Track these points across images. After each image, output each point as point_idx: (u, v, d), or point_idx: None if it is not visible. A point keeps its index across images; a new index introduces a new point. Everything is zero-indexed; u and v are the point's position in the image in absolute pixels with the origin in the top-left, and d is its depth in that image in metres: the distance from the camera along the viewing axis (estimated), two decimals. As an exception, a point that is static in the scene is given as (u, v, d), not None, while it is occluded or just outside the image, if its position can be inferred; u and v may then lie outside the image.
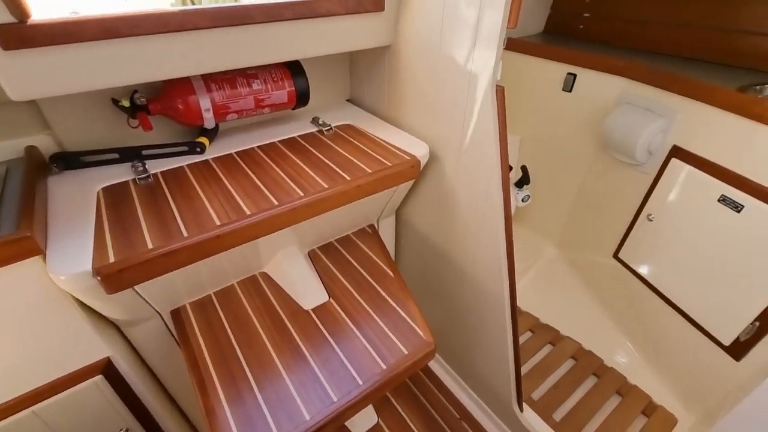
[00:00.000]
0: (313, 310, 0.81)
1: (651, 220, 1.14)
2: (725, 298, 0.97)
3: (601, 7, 1.43)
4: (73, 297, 0.64)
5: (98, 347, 0.71)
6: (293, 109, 0.97)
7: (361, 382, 0.68)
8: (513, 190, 1.45)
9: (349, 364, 0.71)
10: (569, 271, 1.58)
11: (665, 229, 1.10)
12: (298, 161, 0.84)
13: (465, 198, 0.89)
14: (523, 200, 1.44)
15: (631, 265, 1.24)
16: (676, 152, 1.05)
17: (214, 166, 0.82)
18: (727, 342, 0.98)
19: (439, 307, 1.21)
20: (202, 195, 0.72)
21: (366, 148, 0.90)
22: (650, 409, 1.17)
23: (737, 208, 0.91)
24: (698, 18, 1.19)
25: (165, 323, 0.82)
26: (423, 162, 0.90)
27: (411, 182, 0.95)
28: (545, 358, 1.33)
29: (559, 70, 1.35)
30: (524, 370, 1.30)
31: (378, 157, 0.87)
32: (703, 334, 1.04)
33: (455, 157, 0.87)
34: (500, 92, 0.74)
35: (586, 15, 1.48)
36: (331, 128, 0.98)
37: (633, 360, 1.29)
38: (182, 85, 0.79)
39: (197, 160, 0.84)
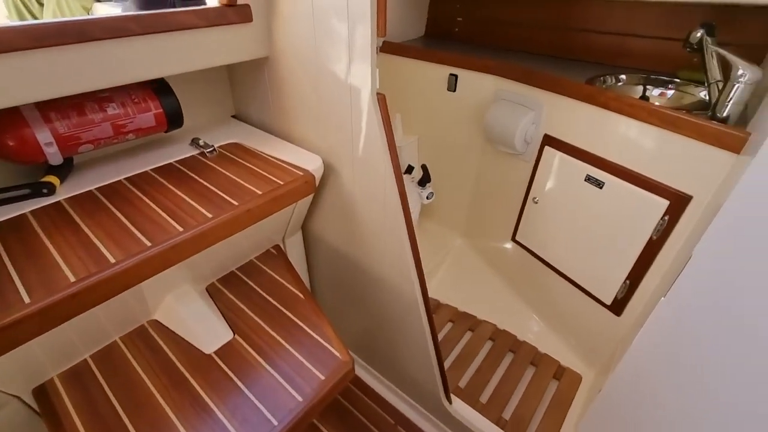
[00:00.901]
0: (216, 352, 0.74)
1: (536, 203, 1.25)
2: (601, 264, 1.11)
3: (470, 11, 1.54)
4: None
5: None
6: (166, 132, 0.87)
7: (276, 423, 0.63)
8: (417, 189, 1.49)
9: (262, 405, 0.65)
10: (477, 258, 1.68)
11: (548, 210, 1.23)
12: (176, 191, 0.75)
13: (366, 205, 0.88)
14: (427, 197, 1.50)
15: (527, 245, 1.36)
16: (548, 140, 1.17)
17: (68, 208, 0.69)
18: (608, 301, 1.13)
19: (360, 317, 1.20)
20: (51, 247, 0.60)
21: (255, 168, 0.84)
22: (559, 372, 1.30)
23: (599, 185, 1.04)
24: (553, 19, 1.34)
25: (28, 406, 0.67)
26: (318, 175, 0.87)
27: (310, 197, 0.92)
28: (466, 345, 1.40)
29: (442, 72, 1.42)
30: (449, 361, 1.35)
31: (269, 176, 0.81)
32: (590, 297, 1.18)
33: (351, 167, 0.86)
34: (382, 100, 0.74)
35: (459, 19, 1.59)
36: (214, 149, 0.90)
37: (541, 330, 1.41)
38: (9, 118, 0.65)
39: (45, 204, 0.70)
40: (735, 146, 0.78)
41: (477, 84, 1.35)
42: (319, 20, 0.73)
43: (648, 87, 1.14)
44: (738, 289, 0.49)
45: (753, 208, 0.46)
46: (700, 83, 1.06)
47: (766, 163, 0.44)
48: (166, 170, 0.82)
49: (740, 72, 0.77)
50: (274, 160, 0.87)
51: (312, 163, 0.87)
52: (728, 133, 0.78)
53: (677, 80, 1.12)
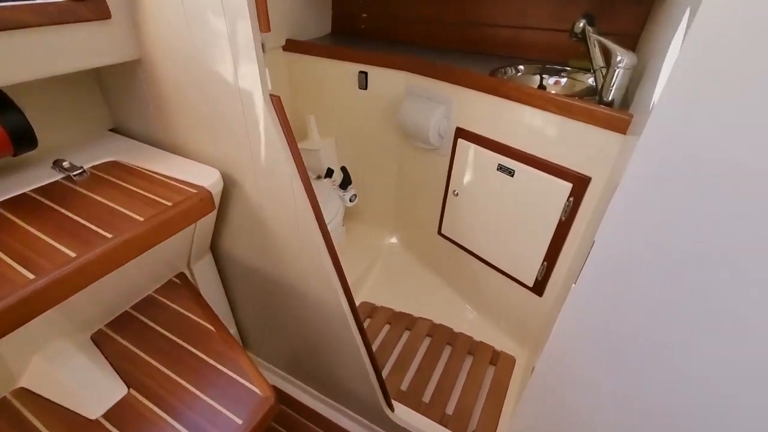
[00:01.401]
0: (105, 415, 0.61)
1: (456, 195, 1.27)
2: (520, 248, 1.15)
3: (374, 7, 1.51)
4: None
5: None
6: (15, 155, 0.71)
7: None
8: (338, 192, 1.44)
9: (166, 470, 0.55)
10: (408, 255, 1.68)
11: (468, 201, 1.25)
12: (28, 228, 0.61)
13: (276, 217, 0.81)
14: (350, 200, 1.45)
15: (452, 238, 1.37)
16: (460, 133, 1.18)
17: None
18: (530, 283, 1.17)
19: (289, 335, 1.11)
20: None
21: (137, 190, 0.72)
22: (495, 357, 1.33)
23: (511, 173, 1.07)
24: (454, 15, 1.36)
25: None
26: (216, 190, 0.77)
27: (211, 215, 0.82)
28: (405, 345, 1.38)
29: (352, 70, 1.38)
30: (389, 364, 1.32)
31: (154, 197, 0.70)
32: (514, 281, 1.22)
33: (254, 177, 0.78)
34: (277, 102, 0.67)
35: (365, 15, 1.56)
36: (83, 171, 0.76)
37: (474, 319, 1.44)
38: None
39: None
40: (621, 128, 0.83)
41: (387, 81, 1.33)
42: (192, 15, 0.63)
43: (544, 76, 1.20)
44: (636, 271, 0.51)
45: (640, 193, 0.48)
46: (587, 71, 1.14)
47: (647, 148, 0.45)
48: (16, 203, 0.67)
49: (619, 58, 0.82)
50: (162, 178, 0.76)
51: (208, 178, 0.77)
52: (614, 116, 0.84)
53: (568, 68, 1.19)
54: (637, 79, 0.88)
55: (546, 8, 1.21)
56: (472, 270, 1.37)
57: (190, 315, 0.80)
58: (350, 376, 1.02)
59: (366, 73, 1.35)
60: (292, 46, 1.46)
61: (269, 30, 0.62)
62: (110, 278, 0.61)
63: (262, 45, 0.63)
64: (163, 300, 0.83)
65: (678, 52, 0.51)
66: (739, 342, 0.45)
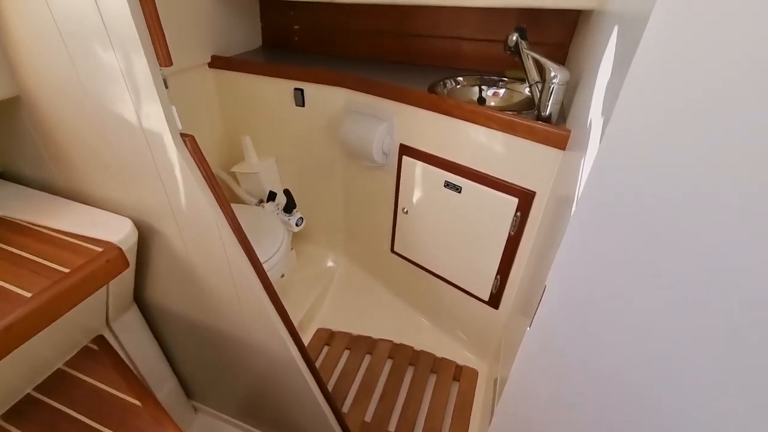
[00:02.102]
0: None
1: (406, 213, 1.23)
2: (473, 263, 1.14)
3: (305, 19, 1.44)
4: None
5: None
6: None
7: None
8: (283, 217, 1.35)
9: None
10: (363, 275, 1.62)
11: (418, 218, 1.21)
12: None
13: (206, 265, 0.72)
14: (297, 224, 1.37)
15: (405, 255, 1.34)
16: (405, 150, 1.14)
17: None
18: (486, 297, 1.16)
19: (239, 383, 1.02)
20: None
21: (26, 254, 0.60)
22: (458, 372, 1.31)
23: (458, 189, 1.05)
24: (390, 26, 1.32)
25: None
26: (129, 245, 0.67)
27: (127, 271, 0.71)
28: (367, 371, 1.32)
29: (286, 87, 1.30)
30: (351, 393, 1.26)
31: (48, 263, 0.59)
32: (470, 296, 1.21)
33: (175, 224, 0.68)
34: (191, 142, 0.59)
35: (297, 27, 1.48)
36: (-46, 236, 0.62)
37: (434, 335, 1.42)
38: None
39: None
40: (560, 143, 0.83)
41: (326, 97, 1.26)
42: (74, 48, 0.54)
43: (483, 87, 1.20)
44: (589, 312, 0.49)
45: (585, 241, 0.46)
46: (523, 81, 1.15)
47: (599, 166, 0.43)
48: None
49: (553, 74, 0.82)
50: (58, 236, 0.64)
51: (117, 231, 0.66)
52: (553, 132, 0.83)
53: (506, 79, 1.19)
54: (571, 92, 0.89)
55: (477, 20, 1.21)
56: (428, 285, 1.34)
57: (109, 389, 0.69)
58: (308, 421, 0.95)
59: (302, 90, 1.28)
60: (218, 62, 1.35)
61: (170, 64, 0.54)
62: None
63: (164, 81, 0.55)
64: (76, 374, 0.71)
65: (610, 72, 0.50)
66: (701, 384, 0.44)
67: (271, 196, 1.39)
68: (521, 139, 0.89)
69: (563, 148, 0.83)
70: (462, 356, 1.35)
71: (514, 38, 0.97)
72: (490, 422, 0.86)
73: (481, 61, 1.26)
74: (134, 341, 0.88)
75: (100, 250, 0.62)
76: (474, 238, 1.10)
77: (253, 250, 0.70)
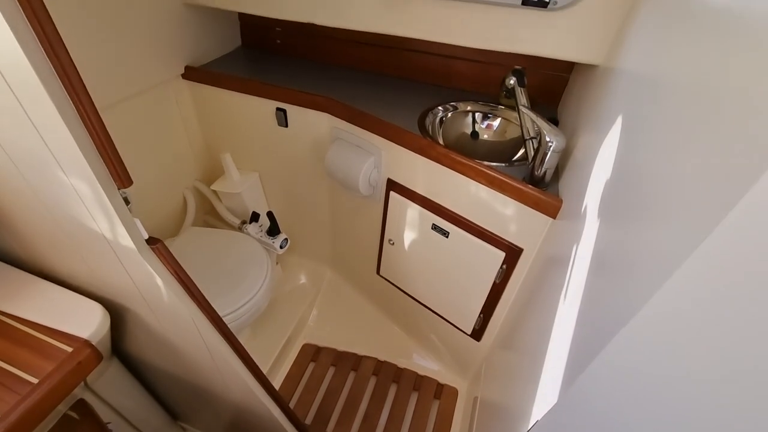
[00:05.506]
0: None
1: (392, 244, 1.21)
2: (458, 300, 1.14)
3: (287, 22, 1.32)
4: None
5: None
6: None
7: None
8: (267, 240, 1.32)
9: None
10: (348, 291, 1.62)
11: (403, 252, 1.20)
12: None
13: (182, 341, 0.71)
14: (281, 246, 1.34)
15: (391, 280, 1.33)
16: (392, 185, 1.10)
17: None
18: (468, 331, 1.18)
19: (226, 422, 1.05)
20: None
21: (-9, 360, 0.58)
22: (439, 390, 1.36)
23: (445, 234, 1.03)
24: (378, 38, 1.21)
25: None
26: (100, 336, 0.64)
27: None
28: (351, 389, 1.36)
29: (268, 107, 1.21)
30: (336, 413, 1.31)
31: (14, 370, 0.57)
32: (454, 327, 1.23)
33: (147, 309, 0.66)
34: (161, 250, 0.55)
35: (279, 29, 1.36)
36: None
37: (418, 353, 1.46)
38: None
39: None
40: (551, 212, 0.81)
41: (310, 121, 1.19)
42: (33, 178, 0.49)
43: (477, 117, 1.14)
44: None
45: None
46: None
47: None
48: None
49: (548, 139, 0.78)
50: (25, 329, 0.62)
51: (88, 322, 0.64)
52: (545, 200, 0.81)
53: (501, 106, 1.13)
54: (564, 160, 0.85)
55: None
56: (413, 310, 1.35)
57: (92, 468, 0.70)
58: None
59: (285, 111, 1.20)
60: (192, 74, 1.25)
61: (129, 184, 0.49)
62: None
63: (125, 199, 0.50)
64: (57, 451, 0.71)
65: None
66: None
67: (254, 217, 1.35)
68: (511, 199, 0.86)
69: (554, 217, 0.81)
70: (444, 375, 1.40)
71: (512, 82, 0.91)
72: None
73: (474, 81, 1.19)
74: (116, 395, 0.88)
75: (70, 350, 0.60)
76: (460, 279, 1.09)
77: (231, 333, 0.69)
